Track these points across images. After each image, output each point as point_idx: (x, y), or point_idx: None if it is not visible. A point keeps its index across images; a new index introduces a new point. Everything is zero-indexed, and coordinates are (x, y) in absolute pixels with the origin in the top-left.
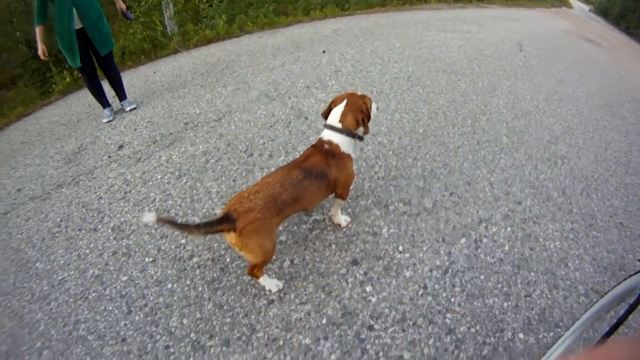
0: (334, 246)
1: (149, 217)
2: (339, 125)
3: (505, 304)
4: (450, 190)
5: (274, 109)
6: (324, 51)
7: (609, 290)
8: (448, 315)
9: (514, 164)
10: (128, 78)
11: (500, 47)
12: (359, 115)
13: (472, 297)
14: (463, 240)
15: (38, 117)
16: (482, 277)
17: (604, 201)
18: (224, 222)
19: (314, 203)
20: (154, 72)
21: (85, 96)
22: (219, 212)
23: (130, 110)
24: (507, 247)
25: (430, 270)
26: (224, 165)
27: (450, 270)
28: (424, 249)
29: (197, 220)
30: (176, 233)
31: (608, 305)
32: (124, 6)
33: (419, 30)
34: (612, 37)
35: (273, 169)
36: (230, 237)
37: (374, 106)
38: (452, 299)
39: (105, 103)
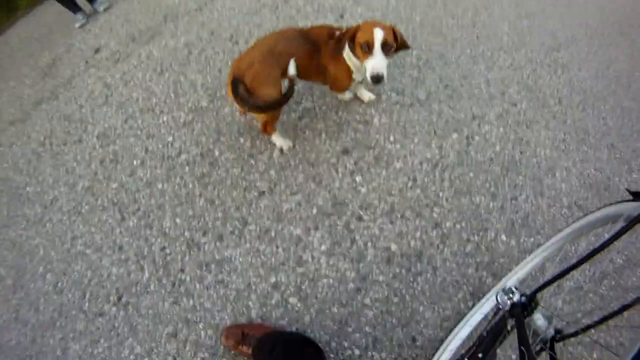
0: (324, 135)
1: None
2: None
3: (491, 204)
4: (445, 82)
5: None
6: None
7: (593, 211)
8: (435, 209)
9: (512, 64)
10: None
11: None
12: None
13: (459, 193)
14: (455, 135)
15: (6, 38)
16: (471, 174)
17: (599, 119)
18: (236, 86)
19: (304, 67)
20: None
21: (53, 5)
22: (205, 104)
23: (103, 10)
24: (498, 148)
25: (421, 163)
26: (208, 56)
27: (440, 165)
28: (415, 140)
29: (183, 115)
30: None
31: (590, 225)
32: None
33: None
34: None
35: None
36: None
37: (367, 63)
38: (440, 194)
39: (75, 8)
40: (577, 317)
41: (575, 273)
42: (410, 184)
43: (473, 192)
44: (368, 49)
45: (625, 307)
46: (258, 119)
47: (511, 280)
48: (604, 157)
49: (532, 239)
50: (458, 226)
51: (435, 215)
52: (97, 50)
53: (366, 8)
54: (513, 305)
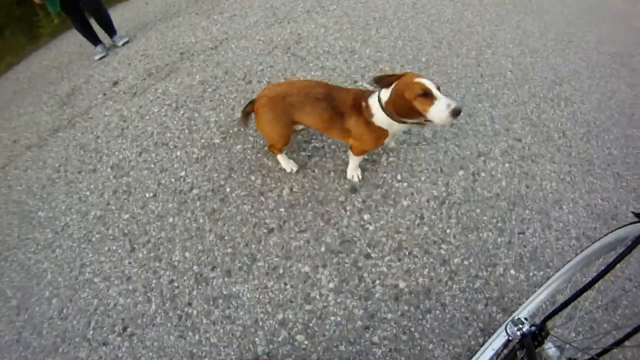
0: (332, 174)
1: None
2: (383, 104)
3: (499, 239)
4: None
5: (273, 35)
6: None
7: (600, 237)
8: (443, 246)
9: (516, 100)
10: (120, 12)
11: None
12: (398, 109)
13: (467, 229)
14: (461, 172)
15: (28, 64)
16: (477, 210)
17: (603, 149)
18: (253, 103)
19: (321, 127)
20: (146, 3)
21: (75, 35)
22: (218, 141)
23: (122, 44)
24: (504, 183)
25: (428, 201)
26: (222, 94)
27: (447, 202)
28: (422, 178)
29: (196, 151)
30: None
31: (598, 252)
32: None
33: None
34: None
35: None
36: None
37: (437, 106)
38: (448, 231)
39: (95, 41)
40: (589, 344)
41: (586, 303)
42: (417, 221)
43: (480, 228)
44: (428, 96)
45: (638, 328)
46: (264, 138)
47: (522, 313)
48: (610, 186)
49: (541, 273)
50: (466, 262)
51: (443, 252)
52: (115, 83)
53: (375, 49)
54: (523, 335)
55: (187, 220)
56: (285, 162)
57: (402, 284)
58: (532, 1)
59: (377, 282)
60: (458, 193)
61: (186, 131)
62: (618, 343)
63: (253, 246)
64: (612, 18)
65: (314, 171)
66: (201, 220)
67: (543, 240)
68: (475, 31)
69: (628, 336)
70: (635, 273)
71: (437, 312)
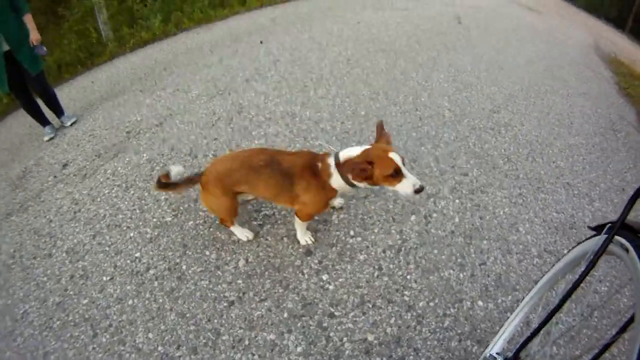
0: (286, 239)
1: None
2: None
3: (461, 275)
4: None
5: (215, 107)
6: (261, 42)
7: (563, 256)
8: (406, 292)
9: (457, 137)
10: (66, 91)
11: (439, 21)
12: (358, 174)
13: (427, 272)
14: (413, 217)
15: None
16: (435, 251)
17: (549, 164)
18: (197, 177)
19: (269, 195)
20: (92, 82)
21: (24, 116)
22: (169, 219)
23: (70, 124)
24: (457, 219)
25: (384, 251)
26: None
27: (403, 249)
28: (375, 230)
29: (149, 230)
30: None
31: (562, 270)
32: (38, 36)
33: (356, 10)
34: (549, 1)
35: None
36: None
37: (404, 185)
38: (408, 276)
39: (44, 121)
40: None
41: (561, 315)
42: (376, 273)
43: (440, 267)
44: (398, 174)
45: (607, 346)
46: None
47: (498, 343)
48: (563, 198)
49: (509, 297)
50: (432, 304)
51: (406, 298)
52: (65, 165)
53: (314, 110)
54: None
55: (147, 301)
56: (240, 232)
57: (370, 337)
58: (460, 38)
59: (345, 339)
60: (413, 238)
61: (138, 211)
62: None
63: (215, 321)
64: (535, 37)
65: (267, 239)
66: (161, 300)
67: (505, 265)
68: (410, 77)
69: (600, 354)
70: (604, 273)
71: (411, 357)
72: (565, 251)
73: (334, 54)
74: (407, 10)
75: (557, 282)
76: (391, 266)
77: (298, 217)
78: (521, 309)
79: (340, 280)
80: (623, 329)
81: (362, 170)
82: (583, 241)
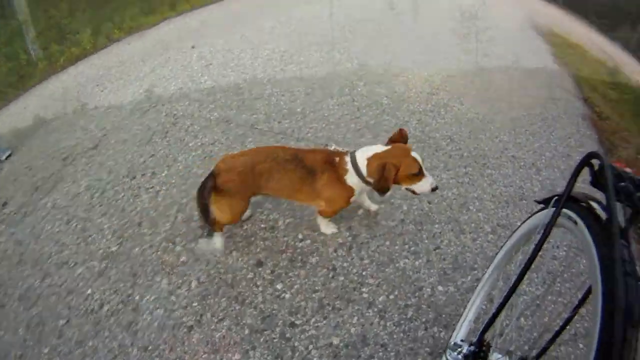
0: (234, 253)
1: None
2: (363, 164)
3: (417, 263)
4: None
5: (149, 121)
6: (193, 47)
7: (514, 231)
8: (364, 289)
9: (397, 123)
10: None
11: (371, 8)
12: (381, 174)
13: (382, 265)
14: (360, 211)
15: None
16: (387, 242)
17: (492, 139)
18: (210, 179)
19: (289, 192)
20: (24, 108)
21: None
22: (115, 248)
23: (6, 158)
24: (405, 207)
25: (335, 250)
26: (109, 197)
27: (354, 245)
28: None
29: (96, 264)
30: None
31: (515, 246)
32: None
33: (289, 5)
34: None
35: (159, 188)
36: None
37: (423, 183)
38: (364, 272)
39: None
40: (536, 337)
41: (524, 287)
42: (331, 274)
43: (395, 258)
44: (420, 173)
45: (568, 320)
46: (216, 214)
47: (462, 330)
48: (510, 171)
49: (469, 277)
50: (392, 297)
51: (365, 295)
52: (4, 204)
53: (250, 112)
54: (465, 357)
55: (107, 340)
56: (219, 240)
57: (335, 340)
58: (394, 23)
59: (311, 346)
60: (363, 233)
61: (82, 244)
62: (557, 335)
63: (178, 349)
64: (470, 16)
65: (215, 255)
66: (120, 337)
67: (460, 246)
68: (345, 67)
69: (562, 329)
70: (561, 238)
71: (380, 354)
72: (518, 223)
73: (267, 52)
74: (340, 0)
75: (513, 257)
76: (345, 264)
77: (322, 214)
78: (481, 288)
79: (296, 287)
80: (581, 302)
81: (390, 169)
82: (533, 214)
